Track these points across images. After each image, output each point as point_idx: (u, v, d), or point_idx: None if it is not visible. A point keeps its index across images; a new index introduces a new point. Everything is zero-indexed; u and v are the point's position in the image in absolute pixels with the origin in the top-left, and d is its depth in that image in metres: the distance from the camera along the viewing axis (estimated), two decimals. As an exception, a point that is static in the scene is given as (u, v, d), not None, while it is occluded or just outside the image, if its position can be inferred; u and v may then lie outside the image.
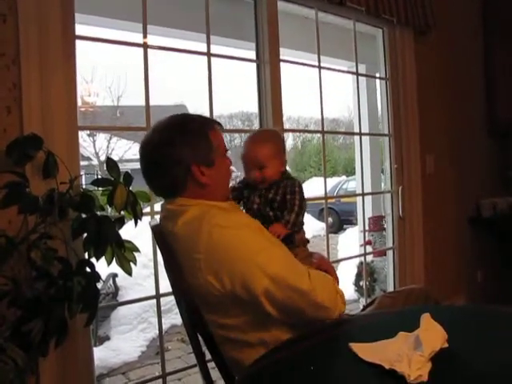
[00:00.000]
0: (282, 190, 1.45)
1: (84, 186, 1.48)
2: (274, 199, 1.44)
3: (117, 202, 1.37)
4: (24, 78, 1.47)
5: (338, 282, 1.32)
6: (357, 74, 2.83)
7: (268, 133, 1.63)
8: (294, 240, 1.43)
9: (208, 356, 1.28)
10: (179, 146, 1.21)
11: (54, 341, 1.28)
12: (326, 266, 1.39)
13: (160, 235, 1.28)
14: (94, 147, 11.14)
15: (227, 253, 1.10)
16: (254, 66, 2.26)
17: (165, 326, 3.98)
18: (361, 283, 4.27)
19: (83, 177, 1.61)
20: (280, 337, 1.14)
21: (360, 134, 2.88)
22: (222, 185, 1.31)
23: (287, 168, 1.53)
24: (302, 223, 1.49)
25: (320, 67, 2.47)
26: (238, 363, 1.20)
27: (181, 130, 1.24)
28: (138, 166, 1.28)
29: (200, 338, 1.26)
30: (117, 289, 4.48)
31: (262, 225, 1.25)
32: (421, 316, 0.93)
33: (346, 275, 4.32)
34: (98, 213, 1.40)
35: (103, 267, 1.42)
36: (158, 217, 1.42)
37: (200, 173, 1.22)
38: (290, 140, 19.76)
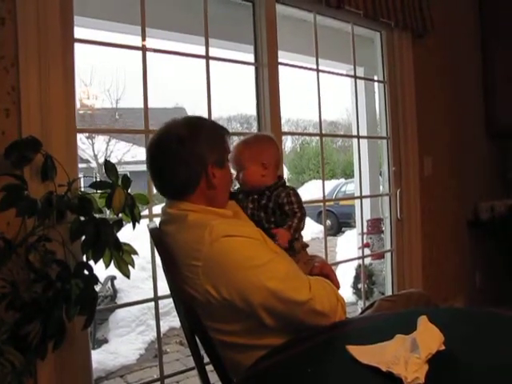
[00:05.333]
0: (274, 199, 1.45)
1: (82, 189, 1.48)
2: (267, 205, 1.46)
3: (115, 204, 1.36)
4: (23, 80, 1.47)
5: (338, 286, 1.32)
6: (355, 76, 2.84)
7: (256, 137, 1.59)
8: (295, 247, 1.44)
9: (206, 359, 1.28)
10: (202, 142, 1.22)
11: (52, 343, 1.28)
12: (328, 271, 1.39)
13: (159, 238, 1.28)
14: (93, 149, 11.15)
15: (227, 264, 1.09)
16: (252, 68, 2.27)
17: (163, 329, 3.97)
18: (359, 286, 4.28)
19: (81, 179, 1.61)
20: (279, 341, 1.13)
21: (358, 136, 2.89)
22: (225, 190, 1.32)
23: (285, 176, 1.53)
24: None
25: (318, 70, 2.47)
26: (236, 365, 1.20)
27: (201, 128, 1.25)
28: (136, 168, 1.28)
29: (198, 340, 1.26)
30: (115, 291, 4.47)
31: (264, 233, 1.25)
32: (418, 318, 0.93)
33: (345, 278, 4.32)
34: (97, 215, 1.40)
35: (101, 270, 1.43)
36: (156, 220, 1.41)
37: (212, 173, 1.23)
38: (288, 142, 19.83)
